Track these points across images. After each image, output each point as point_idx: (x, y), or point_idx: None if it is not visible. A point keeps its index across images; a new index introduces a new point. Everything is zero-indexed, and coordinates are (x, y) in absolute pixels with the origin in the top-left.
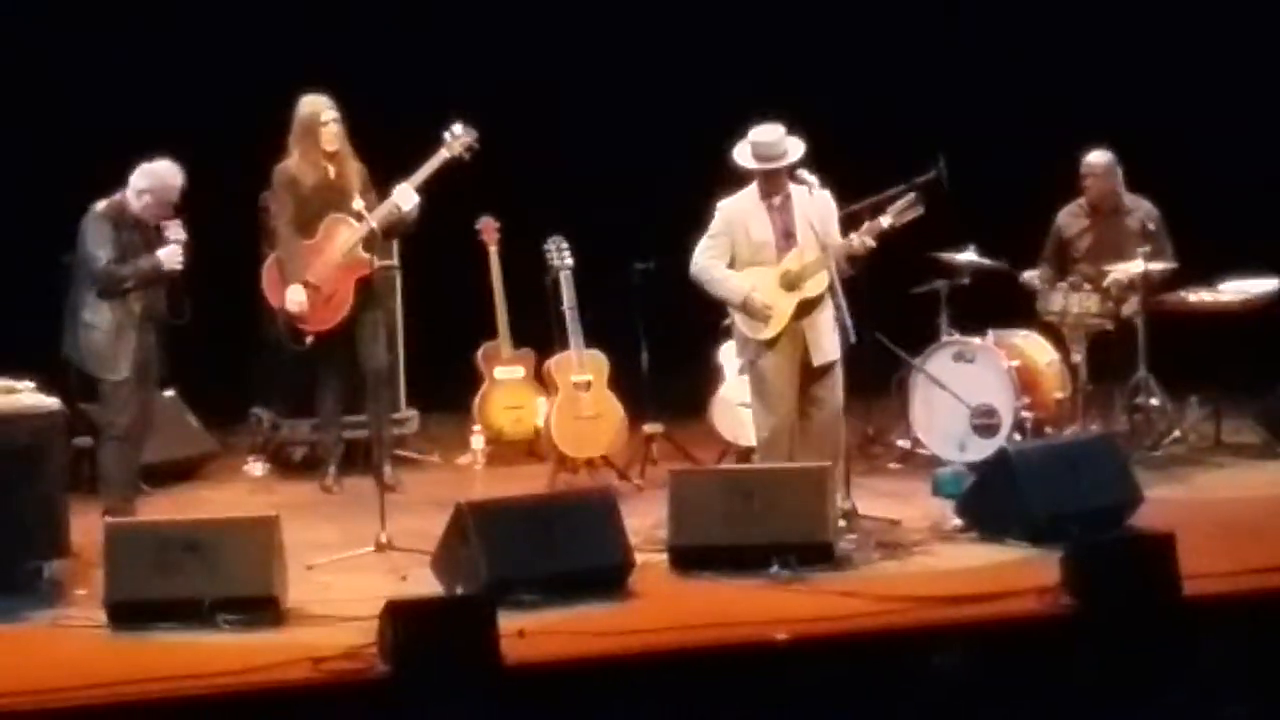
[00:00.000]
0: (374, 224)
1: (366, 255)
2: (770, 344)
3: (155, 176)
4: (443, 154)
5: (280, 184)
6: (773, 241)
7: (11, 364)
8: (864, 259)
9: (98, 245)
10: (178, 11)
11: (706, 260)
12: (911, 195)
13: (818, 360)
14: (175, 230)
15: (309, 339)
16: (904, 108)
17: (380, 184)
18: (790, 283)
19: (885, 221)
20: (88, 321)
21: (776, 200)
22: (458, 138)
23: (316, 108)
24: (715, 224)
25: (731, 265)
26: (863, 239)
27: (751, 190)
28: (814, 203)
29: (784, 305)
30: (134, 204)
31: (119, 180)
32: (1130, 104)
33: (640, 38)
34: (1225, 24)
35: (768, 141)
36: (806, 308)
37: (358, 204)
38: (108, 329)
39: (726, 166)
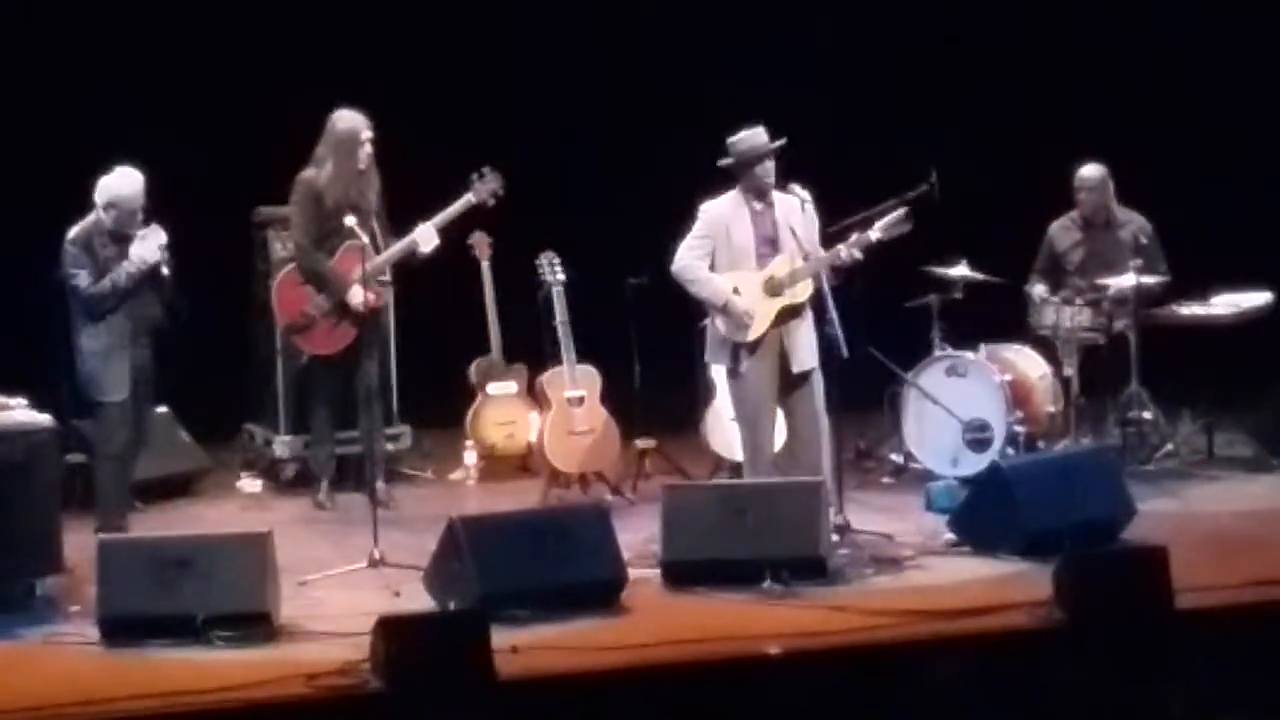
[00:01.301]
0: (384, 260)
1: (378, 288)
2: (750, 350)
3: (111, 190)
4: (468, 198)
5: (306, 196)
6: (753, 247)
7: (4, 380)
8: (848, 271)
9: (75, 272)
10: (175, 21)
11: (690, 260)
12: (901, 211)
13: (796, 368)
14: (142, 236)
15: (305, 358)
16: (896, 122)
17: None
18: (774, 289)
19: (873, 235)
20: (80, 346)
21: (759, 206)
22: (485, 183)
23: (357, 125)
24: (698, 226)
25: (712, 268)
26: (850, 251)
27: (735, 195)
28: (795, 209)
29: (765, 310)
30: (105, 220)
31: None
32: (1122, 117)
33: (632, 52)
34: (1217, 38)
35: (759, 137)
36: (787, 315)
37: (349, 220)
38: (100, 351)
39: (719, 181)
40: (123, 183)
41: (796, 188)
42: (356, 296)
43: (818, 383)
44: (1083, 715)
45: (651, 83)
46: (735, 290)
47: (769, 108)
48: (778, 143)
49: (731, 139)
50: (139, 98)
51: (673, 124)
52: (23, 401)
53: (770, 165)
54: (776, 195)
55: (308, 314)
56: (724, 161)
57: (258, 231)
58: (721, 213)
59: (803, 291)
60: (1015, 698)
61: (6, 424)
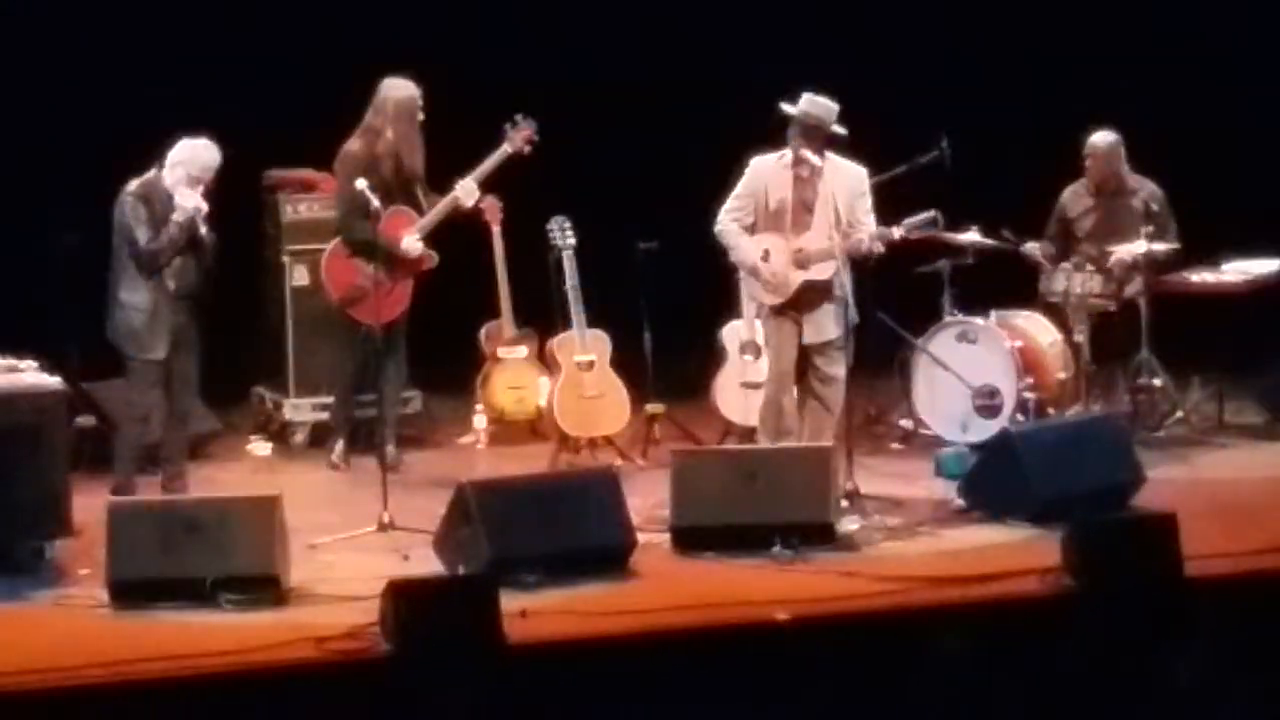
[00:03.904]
0: (431, 219)
1: (431, 252)
2: (774, 313)
3: (191, 149)
4: (505, 149)
5: (355, 168)
6: (788, 211)
7: (14, 344)
8: (872, 261)
9: (135, 227)
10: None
11: (729, 224)
12: (931, 213)
13: (809, 338)
14: (183, 194)
15: (363, 329)
16: (907, 88)
17: None
18: (801, 262)
19: (898, 233)
20: (123, 301)
21: (805, 172)
22: (519, 130)
23: (413, 92)
24: (743, 182)
25: (754, 226)
26: (873, 244)
27: (786, 154)
28: (845, 180)
29: (792, 279)
30: (167, 178)
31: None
32: (1135, 83)
33: (643, 17)
34: (1232, 2)
35: (820, 108)
36: (809, 289)
37: (360, 183)
38: (144, 309)
39: (730, 146)
40: (199, 150)
41: (807, 153)
42: (413, 246)
43: (839, 351)
44: (1091, 682)
45: (663, 48)
46: (765, 254)
47: (782, 74)
48: (827, 122)
49: (808, 94)
50: (147, 60)
51: (685, 89)
52: (32, 364)
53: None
54: (831, 162)
55: (360, 285)
56: (784, 106)
57: (268, 194)
58: (766, 170)
59: (826, 270)
60: (1023, 664)
61: (16, 387)
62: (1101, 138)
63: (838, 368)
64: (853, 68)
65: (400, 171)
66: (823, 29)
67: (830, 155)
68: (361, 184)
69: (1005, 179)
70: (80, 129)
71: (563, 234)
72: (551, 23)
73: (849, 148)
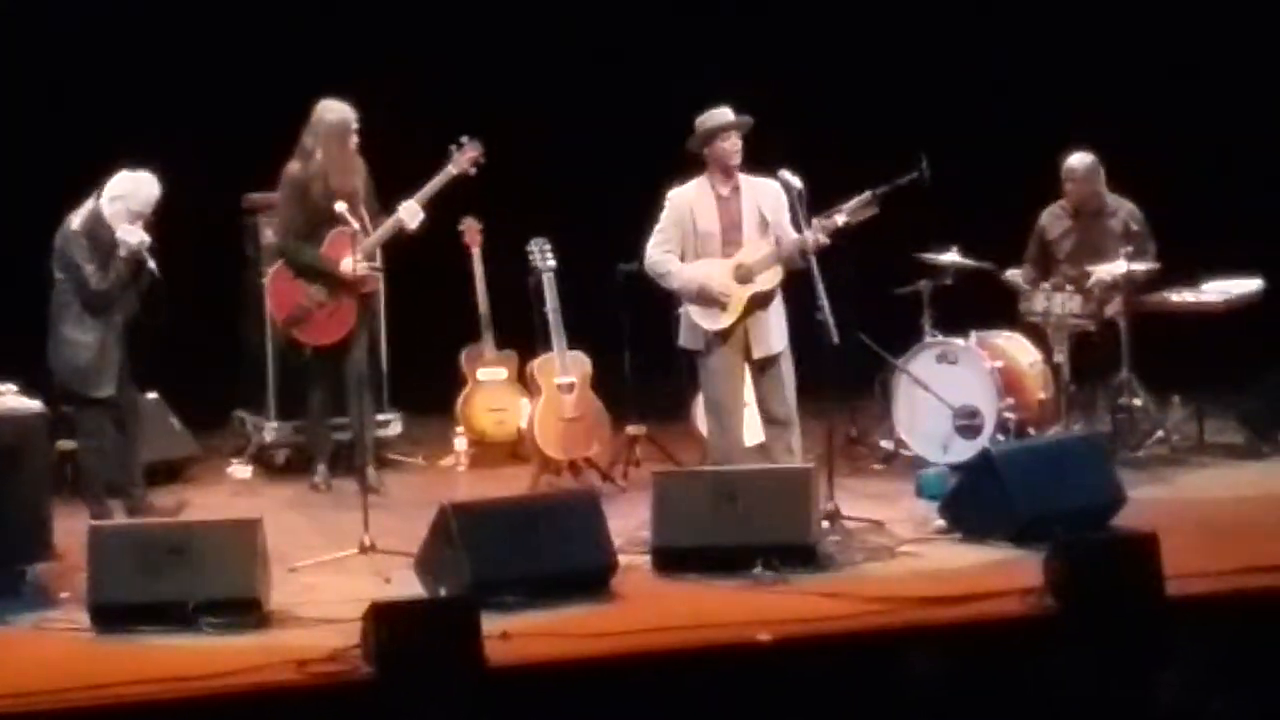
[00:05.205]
0: (374, 241)
1: (375, 273)
2: (722, 338)
3: (131, 183)
4: (449, 170)
5: (294, 190)
6: (718, 233)
7: None
8: (818, 255)
9: (83, 266)
10: (165, 14)
11: (659, 255)
12: (867, 195)
13: (758, 353)
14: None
15: (308, 351)
16: (886, 108)
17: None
18: (743, 276)
19: (840, 219)
20: (70, 338)
21: (725, 191)
22: (464, 153)
23: (347, 115)
24: (664, 216)
25: (681, 256)
26: (816, 235)
27: (701, 180)
28: (765, 194)
29: (739, 294)
30: (106, 210)
31: (99, 183)
32: (1113, 103)
33: (622, 38)
34: (1208, 23)
35: (721, 114)
36: (757, 302)
37: (340, 206)
38: (92, 345)
39: (703, 168)
40: (141, 184)
41: (787, 174)
42: (348, 266)
43: (786, 365)
44: (1072, 702)
45: (642, 67)
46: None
47: (759, 93)
48: (740, 118)
49: (697, 119)
50: (127, 84)
51: (664, 112)
52: (13, 387)
53: (736, 143)
54: (746, 180)
55: (303, 306)
56: (690, 143)
57: (248, 217)
58: (687, 199)
59: (772, 278)
60: (1005, 684)
61: None
62: (1079, 160)
63: (788, 404)
64: (832, 89)
65: (329, 193)
66: (803, 50)
67: (743, 174)
68: (341, 207)
69: (985, 199)
70: (58, 153)
71: (543, 256)
72: (531, 44)
73: (820, 164)
